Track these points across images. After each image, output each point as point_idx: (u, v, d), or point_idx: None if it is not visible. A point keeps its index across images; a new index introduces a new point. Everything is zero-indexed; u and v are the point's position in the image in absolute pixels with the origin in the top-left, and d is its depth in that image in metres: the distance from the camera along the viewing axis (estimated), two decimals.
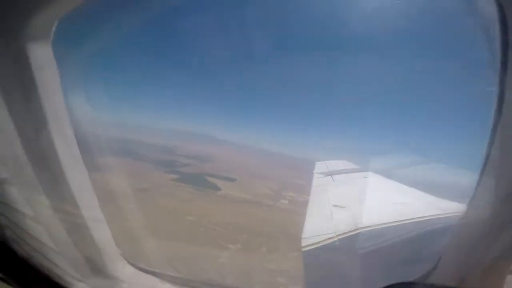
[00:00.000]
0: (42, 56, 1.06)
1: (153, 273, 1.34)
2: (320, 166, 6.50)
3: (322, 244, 3.30)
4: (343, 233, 3.42)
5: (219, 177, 10.64)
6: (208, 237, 7.50)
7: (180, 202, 8.91)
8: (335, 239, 3.35)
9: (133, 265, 1.36)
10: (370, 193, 4.15)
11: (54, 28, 1.04)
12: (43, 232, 1.11)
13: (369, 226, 3.35)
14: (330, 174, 5.87)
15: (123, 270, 1.31)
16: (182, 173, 10.23)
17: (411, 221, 3.17)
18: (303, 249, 3.27)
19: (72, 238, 1.19)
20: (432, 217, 3.18)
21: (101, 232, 1.25)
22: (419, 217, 3.20)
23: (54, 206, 1.14)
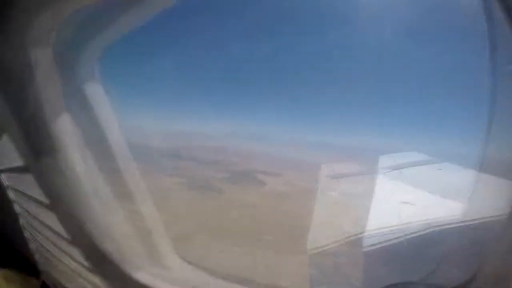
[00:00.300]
0: (93, 87, 1.19)
1: (198, 266, 1.47)
2: (384, 159, 5.96)
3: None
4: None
5: (266, 173, 10.69)
6: (245, 232, 7.59)
7: (224, 200, 9.26)
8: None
9: (181, 257, 1.52)
10: (446, 187, 3.60)
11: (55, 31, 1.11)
12: (111, 224, 1.31)
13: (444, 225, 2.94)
14: (397, 167, 5.29)
15: (174, 261, 1.49)
16: (230, 171, 10.59)
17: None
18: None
19: (133, 231, 1.39)
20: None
21: (158, 227, 1.44)
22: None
23: (119, 203, 1.35)
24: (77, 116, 1.17)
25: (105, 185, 1.26)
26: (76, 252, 1.85)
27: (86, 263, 1.67)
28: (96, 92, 1.18)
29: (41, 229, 2.62)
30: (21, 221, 3.31)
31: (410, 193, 4.18)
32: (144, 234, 1.35)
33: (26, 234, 3.31)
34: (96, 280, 1.69)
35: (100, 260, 1.45)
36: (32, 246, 3.36)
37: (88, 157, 1.21)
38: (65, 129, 1.15)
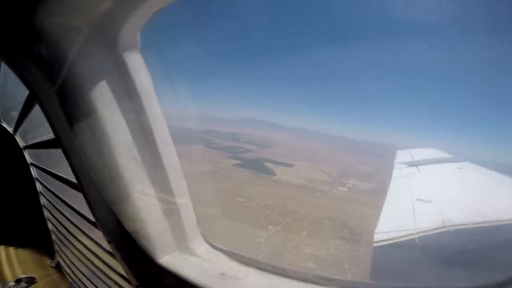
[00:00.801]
0: (134, 60, 1.18)
1: (223, 251, 1.45)
2: (401, 154, 5.75)
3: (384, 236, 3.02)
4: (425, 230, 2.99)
5: (277, 163, 10.68)
6: (253, 217, 7.67)
7: (236, 185, 9.34)
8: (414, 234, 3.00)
9: (208, 242, 1.47)
10: (465, 186, 3.43)
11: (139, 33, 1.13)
12: (141, 210, 1.31)
13: (460, 225, 2.82)
14: (414, 164, 5.09)
15: (201, 245, 1.44)
16: (243, 158, 10.65)
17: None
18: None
19: (162, 213, 1.36)
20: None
21: (187, 213, 1.42)
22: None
23: (152, 191, 1.32)
24: (116, 88, 1.15)
25: (138, 162, 1.24)
26: (98, 235, 1.84)
27: (107, 246, 1.67)
28: (137, 64, 1.16)
29: (62, 208, 2.62)
30: (42, 200, 3.32)
31: (427, 190, 4.01)
32: (174, 216, 1.33)
33: (46, 213, 3.31)
34: (115, 263, 1.70)
35: (124, 243, 1.43)
36: (50, 225, 3.34)
37: (124, 131, 1.20)
38: (104, 101, 1.14)
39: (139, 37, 1.14)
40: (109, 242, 1.55)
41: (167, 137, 1.31)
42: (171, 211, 1.35)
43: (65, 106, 1.25)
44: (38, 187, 3.32)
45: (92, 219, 1.68)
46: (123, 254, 1.51)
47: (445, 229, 2.78)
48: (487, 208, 2.77)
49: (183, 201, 1.36)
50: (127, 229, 1.36)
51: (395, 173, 5.10)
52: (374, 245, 3.17)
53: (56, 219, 2.93)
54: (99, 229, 1.64)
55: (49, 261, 3.68)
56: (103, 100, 1.17)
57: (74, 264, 2.89)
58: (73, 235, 2.56)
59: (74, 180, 1.62)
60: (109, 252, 1.75)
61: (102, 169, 1.29)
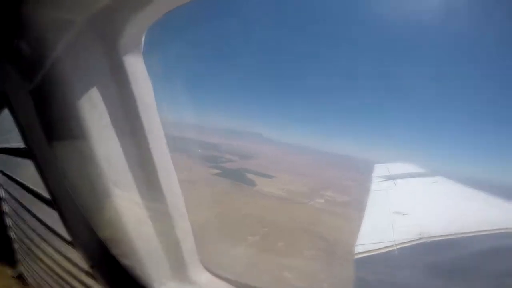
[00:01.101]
0: (135, 65, 1.05)
1: (227, 280, 1.28)
2: (379, 169, 5.93)
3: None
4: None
5: (258, 174, 10.68)
6: (229, 227, 7.57)
7: (215, 195, 9.19)
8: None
9: (208, 270, 1.30)
10: (439, 200, 3.58)
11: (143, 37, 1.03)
12: (134, 233, 1.13)
13: (435, 236, 2.91)
14: (391, 177, 5.26)
15: (200, 275, 1.27)
16: (224, 168, 10.55)
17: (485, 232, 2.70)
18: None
19: (158, 241, 1.19)
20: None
21: (185, 236, 1.23)
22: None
23: (144, 210, 1.17)
24: (108, 92, 1.00)
25: (128, 178, 1.06)
26: (73, 253, 1.57)
27: (85, 267, 1.43)
28: (137, 69, 1.02)
29: (28, 218, 2.32)
30: (4, 207, 3.05)
31: (403, 204, 4.13)
32: (169, 240, 1.13)
33: (8, 221, 3.00)
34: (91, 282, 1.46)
35: (109, 269, 1.22)
36: (12, 234, 3.03)
37: (113, 142, 1.02)
38: (90, 105, 0.98)
39: (142, 39, 1.04)
40: (91, 267, 1.33)
41: (164, 150, 1.15)
42: (166, 233, 1.17)
43: (40, 108, 1.08)
44: (1, 192, 3.02)
45: (68, 238, 1.46)
46: (109, 281, 1.31)
47: (422, 241, 2.85)
48: (459, 220, 2.89)
49: (180, 223, 1.20)
50: (113, 253, 1.18)
51: (373, 186, 5.24)
52: (351, 257, 3.19)
53: (21, 228, 2.62)
54: (77, 251, 1.41)
55: (11, 271, 3.35)
56: (90, 104, 1.00)
57: (40, 276, 2.60)
58: (40, 247, 2.26)
59: (47, 195, 1.41)
60: (87, 272, 1.52)
61: (84, 185, 1.11)
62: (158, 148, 1.08)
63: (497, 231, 2.47)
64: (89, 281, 1.54)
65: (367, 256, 3.07)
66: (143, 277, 1.16)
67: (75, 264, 1.64)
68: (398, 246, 3.00)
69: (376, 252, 3.08)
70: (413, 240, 2.95)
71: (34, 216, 2.10)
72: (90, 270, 1.35)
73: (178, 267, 1.22)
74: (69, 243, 1.55)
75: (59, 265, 1.93)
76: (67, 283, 1.86)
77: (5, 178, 2.83)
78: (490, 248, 2.31)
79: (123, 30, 0.95)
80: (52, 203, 1.38)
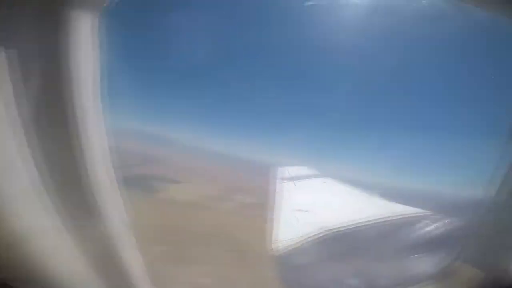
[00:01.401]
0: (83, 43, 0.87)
1: None
2: (280, 171, 6.72)
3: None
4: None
5: (164, 179, 9.93)
6: (137, 237, 6.84)
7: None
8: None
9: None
10: (330, 197, 4.50)
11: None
12: (76, 258, 0.89)
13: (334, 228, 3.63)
14: (291, 179, 6.10)
15: None
16: (125, 174, 9.16)
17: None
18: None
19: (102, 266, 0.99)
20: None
21: (130, 257, 1.06)
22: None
23: (86, 232, 0.94)
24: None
25: (54, 180, 0.80)
26: None
27: None
28: (89, 53, 0.81)
29: None
30: None
31: (304, 202, 4.91)
32: (108, 262, 0.91)
33: None
34: None
35: None
36: None
37: (35, 139, 0.76)
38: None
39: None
40: None
41: (101, 144, 0.99)
42: (105, 253, 0.99)
43: None
44: None
45: None
46: None
47: (324, 233, 3.51)
48: (349, 213, 3.78)
49: (123, 239, 1.04)
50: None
51: (277, 187, 5.95)
52: (266, 254, 3.55)
53: None
54: None
55: None
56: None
57: None
58: None
59: None
60: None
61: None
62: (93, 140, 0.95)
63: (376, 221, 3.43)
64: None
65: (281, 251, 3.49)
66: None
67: None
68: (305, 240, 3.58)
69: (288, 247, 3.55)
70: (318, 234, 3.59)
71: None
72: None
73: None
74: None
75: None
76: None
77: None
78: (375, 233, 3.20)
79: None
80: None
